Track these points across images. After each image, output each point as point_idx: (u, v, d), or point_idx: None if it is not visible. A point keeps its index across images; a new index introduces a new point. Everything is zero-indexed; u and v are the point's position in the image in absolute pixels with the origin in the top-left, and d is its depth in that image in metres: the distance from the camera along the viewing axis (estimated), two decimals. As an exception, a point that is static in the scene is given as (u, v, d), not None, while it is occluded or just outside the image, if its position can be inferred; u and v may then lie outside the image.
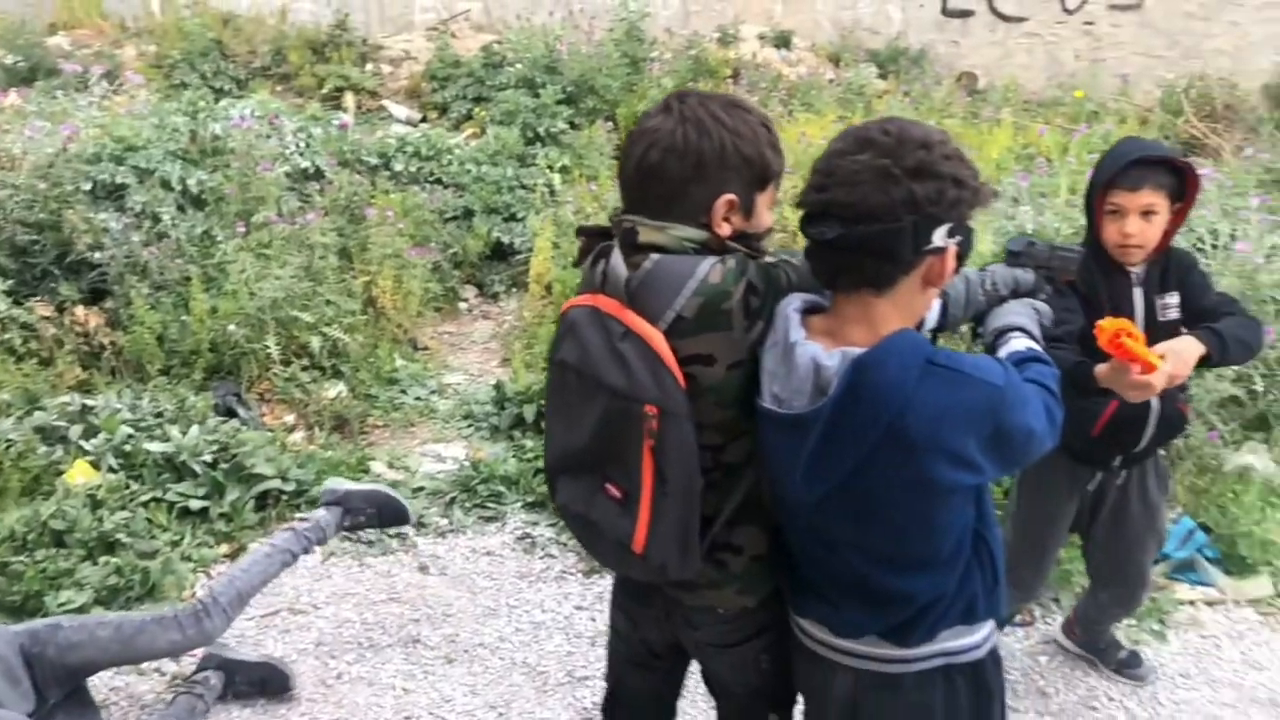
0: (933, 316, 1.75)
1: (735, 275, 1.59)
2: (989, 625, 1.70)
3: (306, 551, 3.00)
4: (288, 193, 5.26)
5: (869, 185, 1.47)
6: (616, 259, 1.61)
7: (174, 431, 3.85)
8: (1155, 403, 2.47)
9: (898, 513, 1.54)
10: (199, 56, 8.04)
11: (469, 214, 6.03)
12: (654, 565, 1.63)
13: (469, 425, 4.53)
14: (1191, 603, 3.46)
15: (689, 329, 1.59)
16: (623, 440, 1.60)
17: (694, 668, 2.05)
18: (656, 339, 1.57)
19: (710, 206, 1.64)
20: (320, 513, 3.11)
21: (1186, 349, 2.23)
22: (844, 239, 1.49)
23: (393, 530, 3.74)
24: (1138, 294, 2.48)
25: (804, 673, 1.82)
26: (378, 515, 3.16)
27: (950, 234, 1.51)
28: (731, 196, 1.64)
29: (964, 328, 1.97)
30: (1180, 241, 4.23)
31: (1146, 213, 2.39)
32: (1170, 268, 2.51)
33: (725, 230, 1.66)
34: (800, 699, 1.90)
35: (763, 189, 1.69)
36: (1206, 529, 3.68)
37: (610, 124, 7.49)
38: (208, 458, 3.76)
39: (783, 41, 9.45)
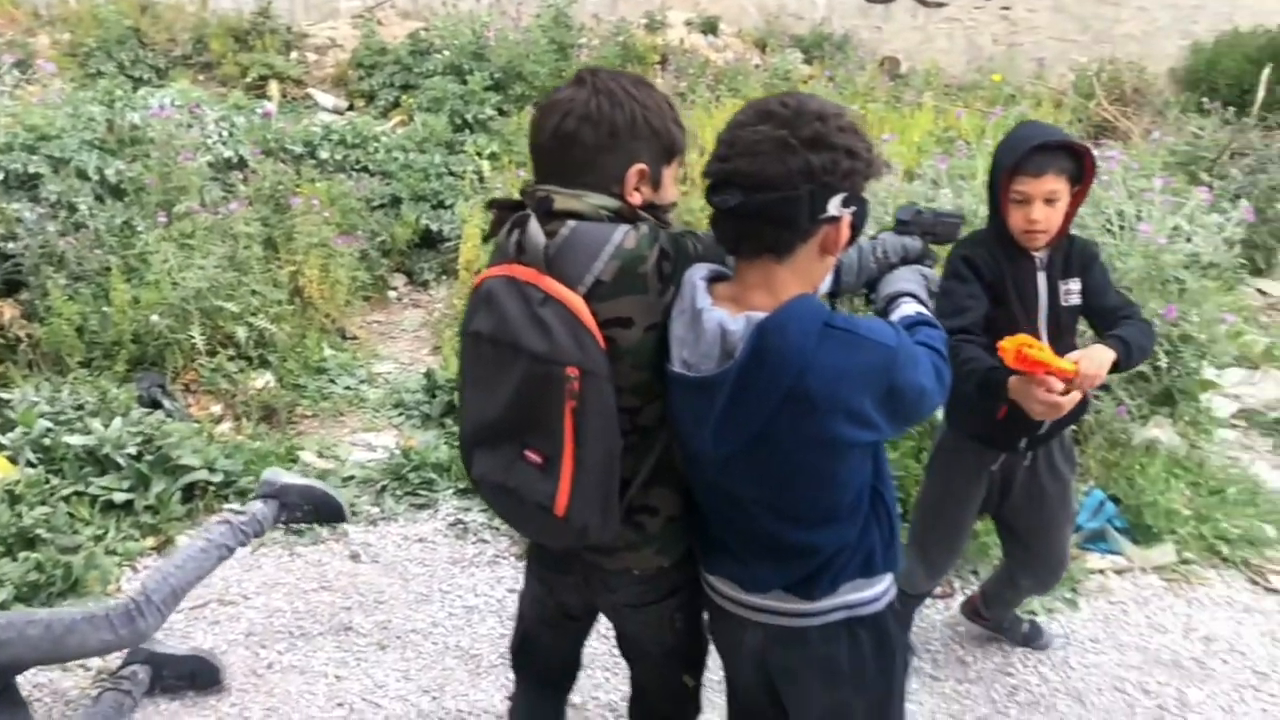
0: (826, 282, 1.82)
1: (649, 241, 1.66)
2: (888, 579, 1.78)
3: (242, 545, 2.99)
4: (210, 182, 5.20)
5: (768, 155, 1.53)
6: (534, 227, 1.65)
7: (95, 424, 3.79)
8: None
9: (801, 469, 1.61)
10: (115, 45, 7.87)
11: (397, 202, 6.00)
12: (575, 528, 1.67)
13: (400, 414, 4.53)
14: (1101, 571, 3.60)
15: (607, 292, 1.64)
16: (544, 405, 1.63)
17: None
18: (576, 303, 1.62)
19: (622, 176, 1.71)
20: (257, 506, 3.09)
21: (1100, 354, 2.33)
22: (744, 206, 1.56)
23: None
24: (1041, 278, 2.53)
25: (718, 631, 1.90)
26: (314, 512, 3.16)
27: (845, 203, 1.58)
28: (643, 166, 1.72)
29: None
30: (1089, 222, 4.41)
31: (1050, 199, 2.44)
32: (1073, 254, 2.58)
33: (636, 199, 1.73)
34: (717, 660, 1.97)
35: (669, 162, 1.77)
36: (1116, 500, 3.82)
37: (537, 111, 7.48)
38: (131, 450, 3.72)
39: (709, 27, 9.53)
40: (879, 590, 1.77)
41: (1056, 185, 2.44)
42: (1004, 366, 2.26)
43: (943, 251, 2.56)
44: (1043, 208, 2.44)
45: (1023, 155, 2.42)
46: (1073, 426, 2.84)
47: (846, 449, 1.60)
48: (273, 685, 2.98)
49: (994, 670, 3.10)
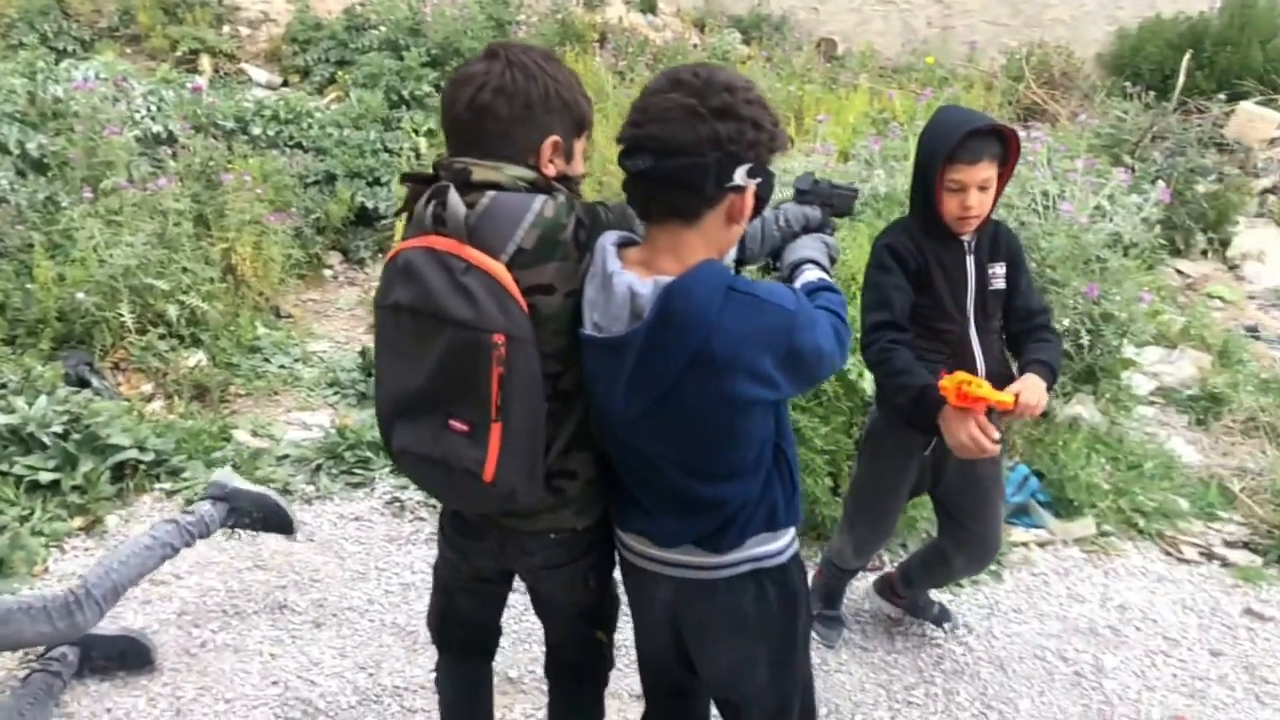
0: (731, 252, 1.90)
1: (566, 209, 1.71)
2: (790, 532, 1.87)
3: (188, 545, 2.98)
4: (139, 158, 5.08)
5: (678, 122, 1.59)
6: (454, 198, 1.67)
7: (19, 403, 3.72)
8: (983, 370, 2.56)
9: (707, 426, 1.68)
10: (38, 15, 7.65)
11: (332, 179, 5.93)
12: (503, 493, 1.71)
13: (335, 392, 4.50)
14: (1025, 544, 3.71)
15: (529, 260, 1.69)
16: (470, 373, 1.66)
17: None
18: (501, 271, 1.65)
19: (537, 148, 1.77)
20: (205, 507, 3.07)
21: (1038, 384, 2.41)
22: (654, 171, 1.61)
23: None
24: (970, 262, 2.57)
25: (630, 587, 1.97)
26: (263, 520, 3.14)
27: (750, 174, 1.64)
28: (557, 138, 1.77)
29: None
30: (1015, 202, 4.52)
31: (983, 186, 2.46)
32: (999, 239, 2.62)
33: (551, 171, 1.78)
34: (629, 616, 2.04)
35: (579, 135, 1.83)
36: (1040, 475, 3.94)
37: (475, 88, 7.44)
38: (58, 429, 3.65)
39: (648, 6, 9.52)
40: (783, 544, 1.85)
41: (990, 172, 2.47)
42: (937, 386, 2.36)
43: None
44: (977, 194, 2.46)
45: (958, 143, 2.42)
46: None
47: (750, 407, 1.67)
48: (206, 664, 2.97)
49: (920, 640, 3.19)
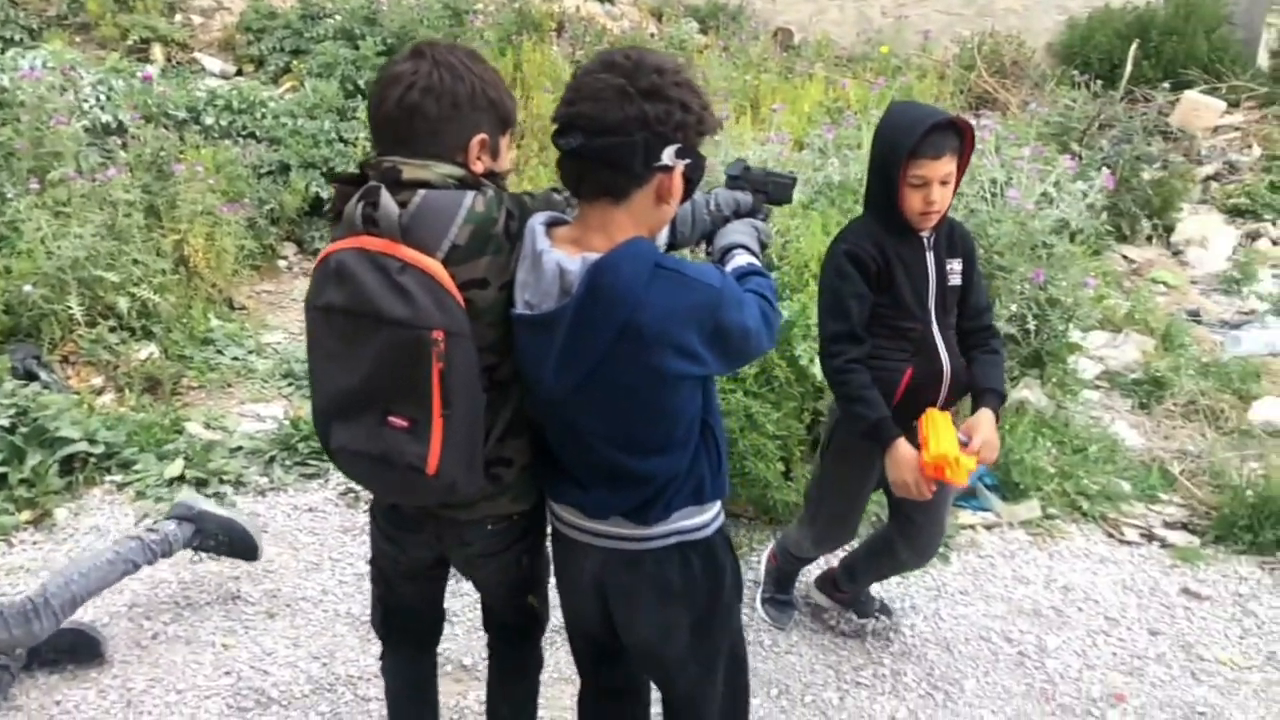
0: (663, 235, 1.95)
1: (496, 203, 1.75)
2: (716, 506, 1.92)
3: (149, 563, 2.99)
4: (88, 148, 5.02)
5: (607, 101, 1.63)
6: (386, 198, 1.69)
7: (-34, 397, 3.69)
8: (948, 366, 2.61)
9: (636, 401, 1.73)
10: (-17, 2, 7.50)
11: (286, 169, 5.88)
12: (445, 484, 1.74)
13: (289, 384, 4.49)
14: (972, 527, 3.78)
15: (463, 256, 1.71)
16: (410, 370, 1.69)
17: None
18: (436, 268, 1.67)
19: (465, 145, 1.80)
20: (170, 526, 3.07)
21: (991, 428, 2.55)
22: (585, 148, 1.66)
23: (210, 489, 3.71)
24: (930, 258, 2.57)
25: (559, 558, 2.02)
26: (228, 545, 3.14)
27: (678, 155, 1.69)
28: (484, 136, 1.81)
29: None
30: (965, 189, 4.58)
31: (945, 180, 2.45)
32: (955, 235, 2.63)
33: (479, 168, 1.82)
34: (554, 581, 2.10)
35: (504, 132, 1.87)
36: (988, 457, 4.01)
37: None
38: (4, 422, 3.61)
39: (606, -5, 9.51)
40: (709, 517, 1.91)
41: (951, 166, 2.46)
42: (892, 417, 2.46)
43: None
44: (939, 189, 2.45)
45: (921, 138, 2.40)
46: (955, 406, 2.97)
47: (677, 382, 1.72)
48: (157, 656, 2.97)
49: (869, 623, 3.25)
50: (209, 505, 3.18)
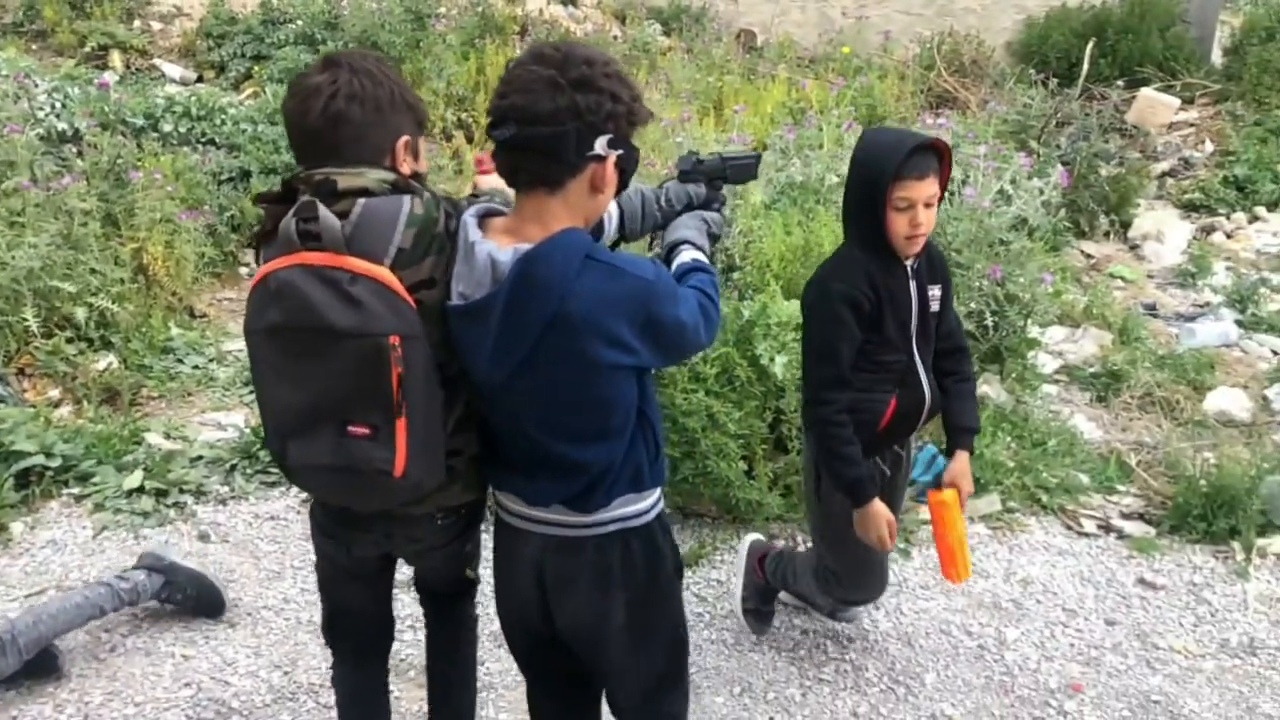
0: (611, 228, 1.99)
1: (435, 204, 1.78)
2: (655, 493, 1.95)
3: (115, 610, 3.01)
4: (43, 157, 4.97)
5: (538, 93, 1.66)
6: (325, 212, 1.69)
7: (-80, 412, 3.64)
8: (929, 394, 2.62)
9: (570, 390, 1.76)
10: (-64, 10, 7.43)
11: (246, 175, 5.86)
12: (412, 484, 1.78)
13: (250, 391, 4.45)
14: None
15: (409, 259, 1.74)
16: (369, 378, 1.70)
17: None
18: (386, 275, 1.70)
19: (391, 149, 1.84)
20: (140, 576, 3.07)
21: (966, 472, 2.71)
22: (518, 139, 1.68)
23: (170, 500, 3.69)
24: (913, 286, 2.54)
25: (500, 546, 2.03)
26: (195, 599, 3.14)
27: (611, 145, 1.72)
28: (407, 137, 1.85)
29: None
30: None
31: (929, 202, 2.42)
32: (934, 259, 2.62)
33: (406, 170, 1.85)
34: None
35: (422, 133, 1.92)
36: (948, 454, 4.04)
37: (394, 81, 7.39)
38: (-42, 437, 3.59)
39: (569, -2, 9.52)
40: (648, 504, 1.94)
41: (935, 187, 2.43)
42: (872, 477, 2.51)
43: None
44: (924, 210, 2.42)
45: (904, 159, 2.37)
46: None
47: (610, 371, 1.75)
48: (115, 669, 2.95)
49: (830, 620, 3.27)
50: (177, 557, 3.19)
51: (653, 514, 1.95)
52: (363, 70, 1.80)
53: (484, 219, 1.79)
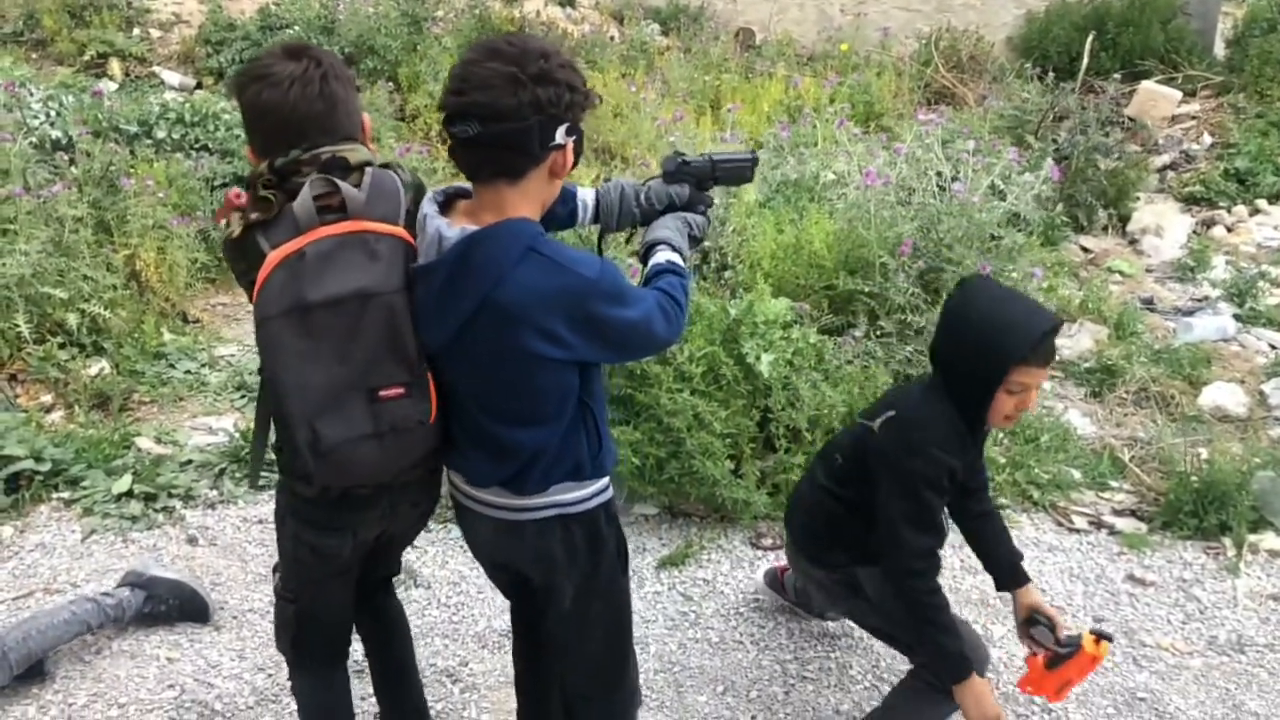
0: (586, 218, 2.07)
1: (409, 170, 1.88)
2: (598, 483, 1.98)
3: (101, 627, 3.03)
4: (36, 165, 4.99)
5: (500, 89, 1.69)
6: (346, 185, 1.77)
7: (-90, 419, 3.66)
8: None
9: (500, 372, 1.81)
10: (-64, 21, 7.47)
11: (240, 181, 5.86)
12: (439, 429, 1.89)
13: (242, 396, 4.47)
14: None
15: (410, 221, 1.85)
16: (397, 335, 1.78)
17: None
18: (406, 234, 1.82)
19: (362, 125, 1.93)
20: (124, 593, 3.10)
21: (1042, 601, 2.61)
22: (483, 136, 1.72)
23: (158, 504, 3.70)
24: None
25: (460, 523, 2.11)
26: (179, 608, 3.16)
27: (568, 132, 1.78)
28: (368, 115, 1.95)
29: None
30: (914, 185, 4.60)
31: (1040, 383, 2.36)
32: None
33: (372, 146, 1.95)
34: None
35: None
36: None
37: (391, 84, 7.41)
38: (-51, 443, 3.60)
39: (567, 0, 9.51)
40: (589, 492, 1.97)
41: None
42: (968, 658, 2.35)
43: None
44: (1034, 393, 2.33)
45: (1037, 343, 2.23)
46: None
47: (540, 360, 1.78)
48: (100, 670, 2.96)
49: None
50: (160, 570, 3.20)
51: (594, 502, 1.98)
52: (326, 55, 1.88)
53: (451, 199, 1.86)
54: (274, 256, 1.74)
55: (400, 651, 2.46)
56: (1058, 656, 2.46)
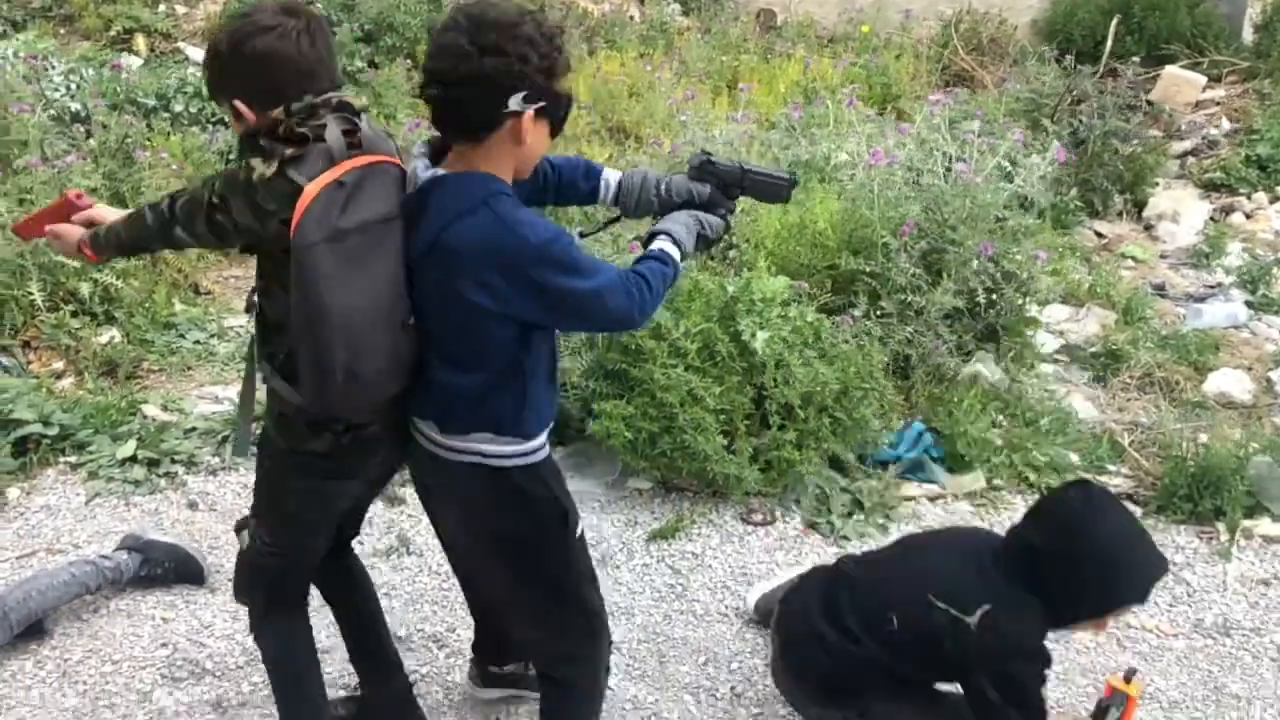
0: (609, 196, 2.20)
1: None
2: (521, 444, 2.03)
3: (99, 589, 3.11)
4: (54, 136, 5.08)
5: (453, 58, 1.81)
6: (365, 123, 1.95)
7: (-78, 381, 3.75)
8: None
9: (442, 310, 1.92)
10: (-35, -4, 7.58)
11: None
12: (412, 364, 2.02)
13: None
14: (915, 498, 3.79)
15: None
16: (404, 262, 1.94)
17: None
18: (403, 165, 1.99)
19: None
20: (122, 556, 3.18)
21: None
22: (441, 98, 1.87)
23: (161, 469, 3.77)
24: None
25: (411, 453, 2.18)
26: (174, 570, 3.23)
27: (527, 100, 1.83)
28: None
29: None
30: (920, 167, 4.58)
31: None
32: None
33: None
34: None
35: None
36: (938, 432, 4.02)
37: (410, 62, 7.44)
38: (-41, 406, 3.69)
39: (588, -21, 9.49)
40: (508, 450, 2.02)
41: None
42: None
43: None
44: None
45: (1149, 589, 2.32)
46: None
47: (475, 308, 1.87)
48: (97, 629, 3.03)
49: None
50: (156, 534, 3.28)
51: (513, 462, 2.03)
52: (309, 10, 1.98)
53: (442, 150, 1.98)
54: (312, 187, 1.81)
55: (372, 604, 2.58)
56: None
